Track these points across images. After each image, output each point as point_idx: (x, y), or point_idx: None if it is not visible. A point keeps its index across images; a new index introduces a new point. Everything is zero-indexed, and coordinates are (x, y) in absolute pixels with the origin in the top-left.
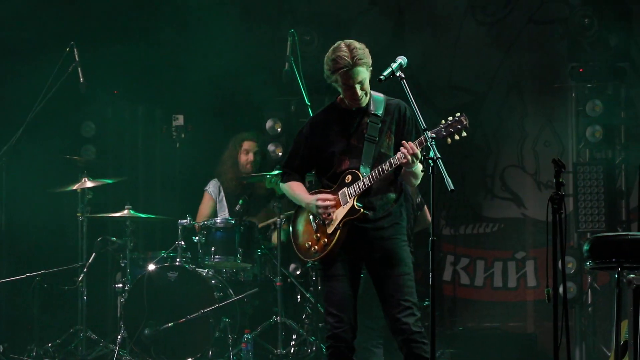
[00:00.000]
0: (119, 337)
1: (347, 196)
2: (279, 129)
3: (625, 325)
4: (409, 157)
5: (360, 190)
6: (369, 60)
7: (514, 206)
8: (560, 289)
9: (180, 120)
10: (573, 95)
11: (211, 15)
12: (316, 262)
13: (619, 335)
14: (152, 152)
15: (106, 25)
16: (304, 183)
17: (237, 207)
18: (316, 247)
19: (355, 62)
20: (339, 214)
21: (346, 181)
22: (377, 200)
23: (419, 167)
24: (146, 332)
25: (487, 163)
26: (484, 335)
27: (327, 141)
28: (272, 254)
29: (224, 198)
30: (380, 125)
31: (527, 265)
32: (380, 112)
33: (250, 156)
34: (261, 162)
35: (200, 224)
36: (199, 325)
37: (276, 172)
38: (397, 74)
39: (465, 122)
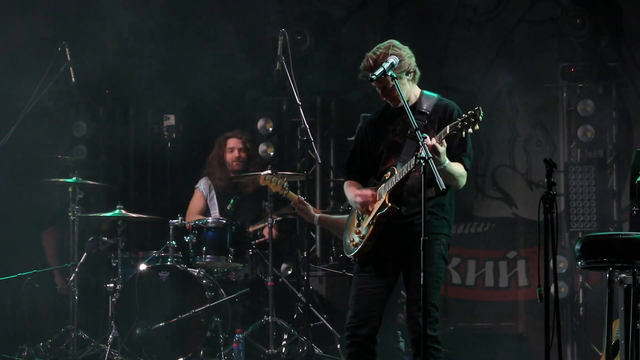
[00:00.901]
0: (111, 336)
1: (382, 192)
2: (270, 129)
3: (616, 325)
4: (429, 152)
5: (391, 185)
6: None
7: (505, 206)
8: (552, 289)
9: (171, 120)
10: (564, 95)
11: (202, 15)
12: (356, 258)
13: (611, 335)
14: (143, 152)
15: (98, 25)
16: (364, 182)
17: (228, 207)
18: (354, 243)
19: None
20: (374, 210)
21: (385, 178)
22: (411, 197)
23: (453, 167)
24: (138, 331)
25: (478, 163)
26: (476, 335)
27: (377, 140)
28: (264, 253)
29: (214, 196)
30: (425, 122)
31: (518, 264)
32: (427, 110)
33: (235, 153)
34: (248, 158)
35: (192, 224)
36: (191, 325)
37: (264, 172)
38: (389, 74)
39: (479, 116)
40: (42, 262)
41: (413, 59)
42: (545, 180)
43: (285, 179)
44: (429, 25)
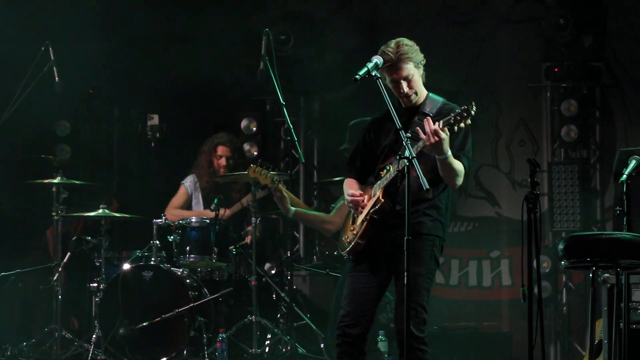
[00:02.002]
0: (94, 336)
1: (377, 188)
2: (254, 129)
3: (599, 324)
4: (430, 135)
5: (385, 182)
6: (418, 57)
7: (488, 205)
8: (535, 288)
9: (155, 119)
10: (548, 94)
11: (185, 15)
12: (350, 256)
13: (594, 334)
14: (127, 151)
15: (82, 24)
16: (364, 181)
17: (212, 207)
18: (348, 240)
19: (399, 57)
20: (367, 207)
21: (381, 175)
22: (409, 196)
23: (454, 162)
24: (121, 331)
25: None
26: (459, 334)
27: (378, 139)
28: (247, 253)
29: (199, 195)
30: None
31: (501, 264)
32: (431, 112)
33: (223, 161)
34: (234, 164)
35: (176, 223)
36: (174, 324)
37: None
38: (373, 74)
39: (471, 110)
40: (46, 260)
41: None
42: (529, 179)
43: (275, 170)
44: (411, 25)
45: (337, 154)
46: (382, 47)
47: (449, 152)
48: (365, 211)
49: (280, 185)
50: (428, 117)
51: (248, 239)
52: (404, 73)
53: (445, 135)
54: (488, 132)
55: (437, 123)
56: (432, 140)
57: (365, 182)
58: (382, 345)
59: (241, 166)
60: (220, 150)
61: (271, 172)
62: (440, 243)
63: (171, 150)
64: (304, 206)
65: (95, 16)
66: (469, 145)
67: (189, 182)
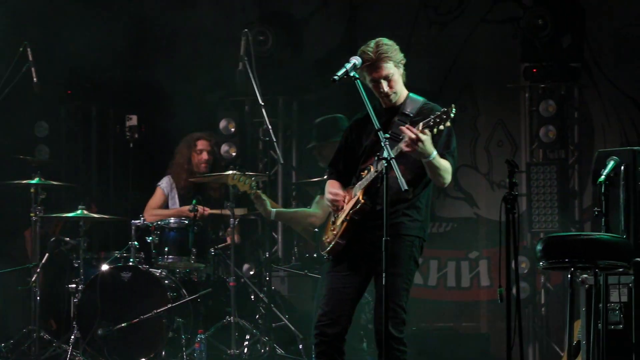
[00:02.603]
0: (72, 337)
1: (357, 189)
2: (232, 129)
3: (578, 325)
4: (410, 140)
5: (366, 182)
6: (397, 56)
7: (466, 206)
8: (514, 289)
9: (133, 120)
10: (526, 95)
11: (164, 15)
12: (330, 256)
13: (572, 335)
14: (105, 152)
15: (59, 25)
16: (347, 182)
17: (190, 208)
18: (328, 240)
19: (379, 56)
20: (347, 207)
21: (362, 176)
22: (388, 197)
23: (440, 160)
24: (99, 332)
25: None
26: (437, 335)
27: (359, 140)
28: (226, 254)
29: (176, 195)
30: (407, 124)
31: (480, 265)
32: (411, 112)
33: (204, 155)
34: (214, 160)
35: (154, 224)
36: (152, 325)
37: (230, 172)
38: (351, 74)
39: (450, 113)
40: (24, 261)
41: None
42: (507, 180)
43: (253, 178)
44: (390, 25)
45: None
46: (362, 47)
47: (434, 152)
48: (345, 212)
49: (259, 192)
50: (406, 126)
51: (229, 240)
52: (384, 72)
53: (426, 137)
54: (466, 133)
55: (417, 127)
56: (414, 147)
57: (348, 183)
58: (365, 346)
59: (220, 168)
60: (201, 144)
61: (250, 179)
62: (420, 243)
63: (150, 151)
64: (279, 207)
65: (74, 17)
66: (453, 144)
67: (164, 183)
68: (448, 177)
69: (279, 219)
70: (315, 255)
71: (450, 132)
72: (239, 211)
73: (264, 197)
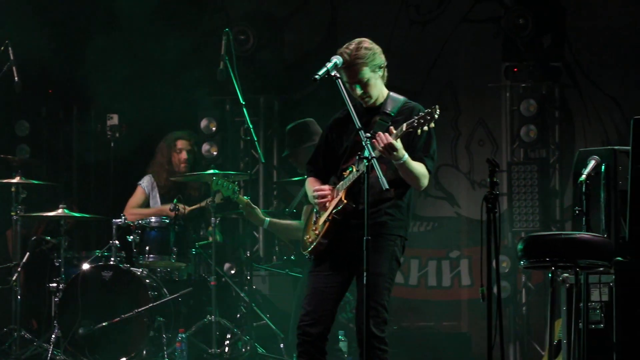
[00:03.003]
0: (53, 336)
1: (340, 189)
2: (213, 129)
3: (559, 324)
4: (380, 148)
5: (348, 182)
6: (376, 61)
7: (447, 205)
8: (495, 288)
9: (115, 119)
10: (507, 94)
11: (145, 14)
12: (311, 256)
13: (553, 334)
14: (86, 151)
15: (41, 24)
16: (326, 181)
17: (171, 207)
18: (310, 240)
19: (353, 61)
20: (330, 207)
21: (344, 176)
22: (369, 197)
23: (413, 164)
24: (80, 331)
25: None
26: (418, 334)
27: (340, 139)
28: (207, 253)
29: (157, 195)
30: (389, 124)
31: (461, 264)
32: (392, 112)
33: (184, 155)
34: (194, 159)
35: (135, 223)
36: (133, 324)
37: (211, 171)
38: (333, 74)
39: (434, 114)
40: (5, 260)
41: (383, 56)
42: (488, 179)
43: (236, 182)
44: (371, 24)
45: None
46: (343, 46)
47: (405, 156)
48: (327, 212)
49: (245, 198)
50: (378, 135)
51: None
52: (358, 77)
53: (399, 146)
54: (447, 132)
55: (400, 127)
56: (387, 154)
57: (327, 182)
58: (343, 345)
59: (200, 165)
60: (180, 144)
61: (233, 184)
62: (402, 242)
63: (131, 150)
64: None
65: (55, 16)
66: (433, 147)
67: (145, 182)
68: (424, 181)
69: (272, 228)
70: (293, 258)
71: (430, 133)
72: (219, 197)
73: (253, 206)
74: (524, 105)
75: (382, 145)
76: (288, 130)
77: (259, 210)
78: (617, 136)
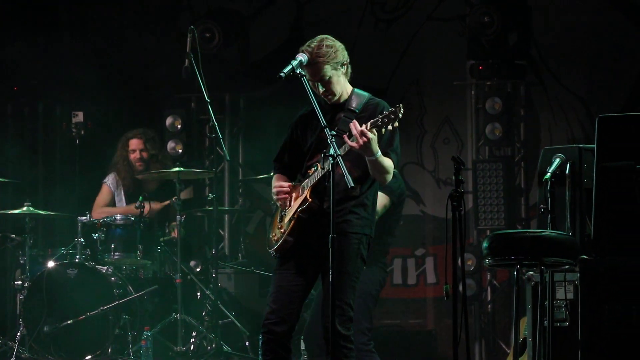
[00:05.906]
0: (18, 334)
1: (305, 187)
2: (179, 126)
3: (524, 322)
4: (357, 137)
5: (314, 180)
6: (337, 59)
7: (413, 203)
8: (460, 286)
9: (80, 117)
10: (472, 92)
11: (110, 11)
12: (277, 254)
13: (518, 332)
14: (51, 148)
15: (6, 21)
16: (292, 177)
17: (136, 204)
18: (275, 238)
19: (314, 59)
20: (295, 205)
21: (309, 173)
22: (335, 194)
23: (384, 160)
24: (45, 329)
25: None
26: (384, 332)
27: (304, 135)
28: (172, 250)
29: (122, 192)
30: (354, 120)
31: (426, 262)
32: (357, 108)
33: (137, 154)
34: (150, 156)
35: (101, 221)
36: (99, 322)
37: (176, 169)
38: (298, 71)
39: (399, 113)
40: None
41: (346, 53)
42: (453, 177)
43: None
44: (337, 22)
45: (262, 151)
46: (306, 44)
47: (379, 152)
48: (293, 210)
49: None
50: (354, 121)
51: (175, 233)
52: (319, 75)
53: (373, 136)
54: (413, 130)
55: (364, 125)
56: (360, 142)
57: (293, 178)
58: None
59: (159, 162)
60: (132, 144)
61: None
62: (367, 241)
63: (96, 148)
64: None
65: (21, 12)
66: (396, 142)
67: (110, 180)
68: (390, 176)
69: None
70: (259, 255)
71: (394, 129)
72: (185, 194)
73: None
74: (489, 103)
75: (355, 132)
76: None
77: None
78: (582, 134)
